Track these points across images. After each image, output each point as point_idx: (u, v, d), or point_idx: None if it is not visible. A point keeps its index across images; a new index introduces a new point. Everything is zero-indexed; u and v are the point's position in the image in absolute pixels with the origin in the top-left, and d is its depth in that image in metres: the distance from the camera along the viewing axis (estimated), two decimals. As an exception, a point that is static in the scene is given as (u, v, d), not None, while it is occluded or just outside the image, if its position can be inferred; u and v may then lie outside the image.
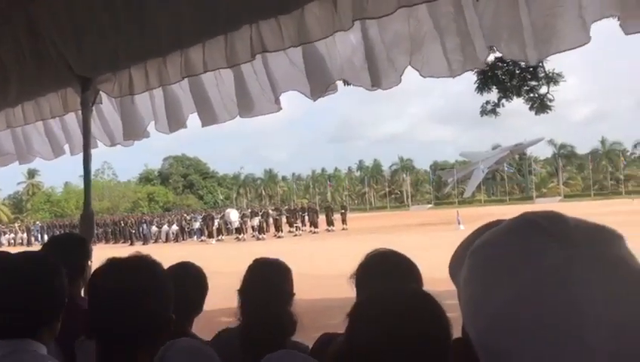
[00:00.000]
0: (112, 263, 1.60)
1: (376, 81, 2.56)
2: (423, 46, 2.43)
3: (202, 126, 3.44)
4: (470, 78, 11.72)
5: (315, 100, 2.87)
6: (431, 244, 23.32)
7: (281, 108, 3.08)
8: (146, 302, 1.52)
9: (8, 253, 2.30)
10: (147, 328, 1.51)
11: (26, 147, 4.94)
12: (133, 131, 3.82)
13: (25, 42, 3.90)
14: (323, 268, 17.41)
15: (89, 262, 2.88)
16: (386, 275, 1.91)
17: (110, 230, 47.29)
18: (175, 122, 3.57)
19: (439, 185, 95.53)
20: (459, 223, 33.23)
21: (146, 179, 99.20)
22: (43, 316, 1.86)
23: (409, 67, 2.49)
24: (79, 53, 3.52)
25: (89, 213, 3.74)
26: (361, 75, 2.63)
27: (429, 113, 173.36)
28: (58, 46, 3.63)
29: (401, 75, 2.51)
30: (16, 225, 59.80)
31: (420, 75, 2.44)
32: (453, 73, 2.36)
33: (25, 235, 52.34)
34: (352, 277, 2.05)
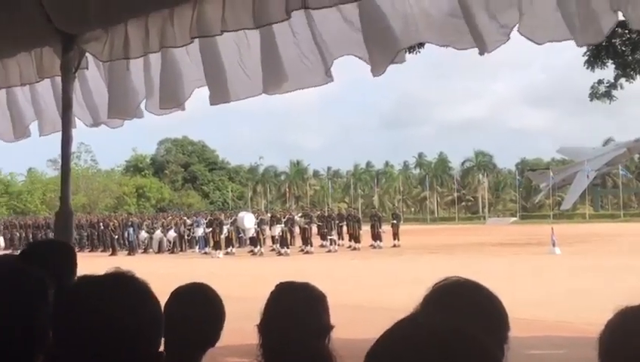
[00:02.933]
0: (85, 283, 1.64)
1: (478, 41, 2.58)
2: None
3: (211, 104, 3.49)
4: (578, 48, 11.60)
5: (378, 75, 2.89)
6: (514, 272, 23.10)
7: (332, 80, 3.10)
8: (129, 339, 1.56)
9: None
10: None
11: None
12: (122, 107, 3.90)
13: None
14: (366, 298, 17.42)
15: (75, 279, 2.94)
16: (462, 315, 1.88)
17: (86, 234, 48.11)
18: (171, 99, 3.63)
19: (528, 192, 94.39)
20: (553, 245, 32.75)
21: (134, 167, 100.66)
22: (19, 352, 1.84)
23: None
24: (63, 1, 3.60)
25: (66, 211, 3.83)
26: (450, 32, 2.65)
27: (521, 92, 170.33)
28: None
29: (509, 32, 2.53)
30: (-36, 221, 61.36)
31: (534, 41, 2.46)
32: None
33: (-25, 236, 53.61)
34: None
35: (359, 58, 2.94)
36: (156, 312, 1.65)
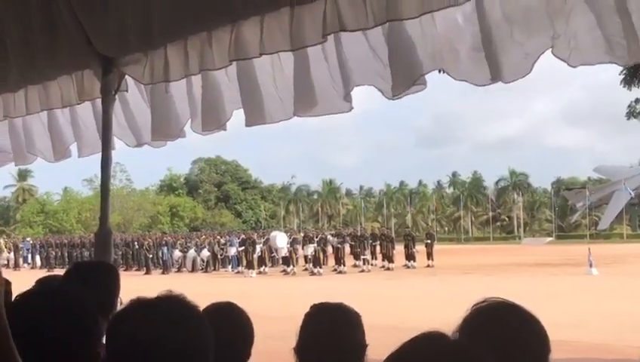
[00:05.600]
0: (138, 307, 1.66)
1: (495, 72, 2.59)
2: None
3: (246, 125, 3.56)
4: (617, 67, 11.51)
5: (393, 99, 2.94)
6: (551, 293, 22.78)
7: (352, 108, 3.16)
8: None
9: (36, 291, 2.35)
10: None
11: (25, 144, 5.16)
12: (166, 129, 3.98)
13: (34, 6, 4.11)
14: (400, 318, 17.31)
15: (119, 300, 2.99)
16: (503, 338, 1.87)
17: (121, 253, 48.39)
18: (213, 120, 3.69)
19: (564, 211, 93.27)
20: (590, 265, 32.31)
21: (168, 187, 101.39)
22: None
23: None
24: (103, 25, 3.68)
25: (106, 231, 3.90)
26: (469, 65, 2.67)
27: (560, 110, 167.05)
28: (77, 14, 3.81)
29: (533, 62, 2.53)
30: (1, 240, 62.21)
31: (568, 64, 2.45)
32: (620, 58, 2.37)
33: (12, 255, 54.28)
34: (454, 336, 2.00)
35: (375, 87, 2.98)
36: (208, 335, 1.67)
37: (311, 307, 2.68)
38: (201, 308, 2.81)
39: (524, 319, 1.95)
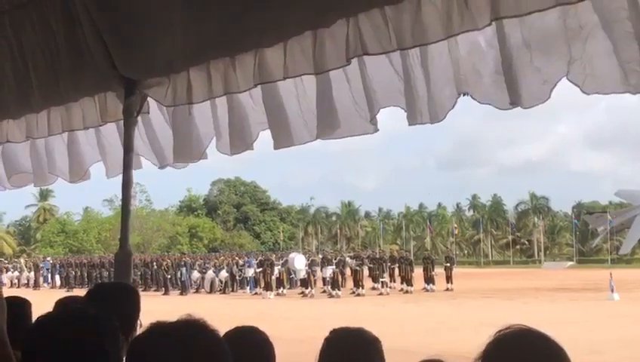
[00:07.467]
0: (157, 332, 1.66)
1: (515, 97, 2.57)
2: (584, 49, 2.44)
3: (275, 148, 3.54)
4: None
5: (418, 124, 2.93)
6: (571, 318, 22.52)
7: (377, 130, 3.15)
8: None
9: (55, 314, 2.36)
10: None
11: (47, 165, 5.18)
12: (188, 151, 3.98)
13: (57, 29, 4.15)
14: (419, 342, 17.18)
15: (139, 322, 2.99)
16: None
17: (139, 273, 48.53)
18: (240, 141, 3.70)
19: (584, 235, 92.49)
20: (612, 291, 31.93)
21: (187, 208, 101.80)
22: None
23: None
24: (128, 49, 3.72)
25: (126, 252, 3.90)
26: (492, 88, 2.65)
27: (583, 134, 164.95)
28: (101, 36, 3.85)
29: (551, 88, 2.51)
30: (21, 260, 62.77)
31: (582, 90, 2.43)
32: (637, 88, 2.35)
33: (32, 274, 54.68)
34: None
35: (404, 110, 2.98)
36: (227, 360, 1.66)
37: (330, 332, 2.66)
38: (223, 331, 2.80)
39: (549, 349, 1.90)
